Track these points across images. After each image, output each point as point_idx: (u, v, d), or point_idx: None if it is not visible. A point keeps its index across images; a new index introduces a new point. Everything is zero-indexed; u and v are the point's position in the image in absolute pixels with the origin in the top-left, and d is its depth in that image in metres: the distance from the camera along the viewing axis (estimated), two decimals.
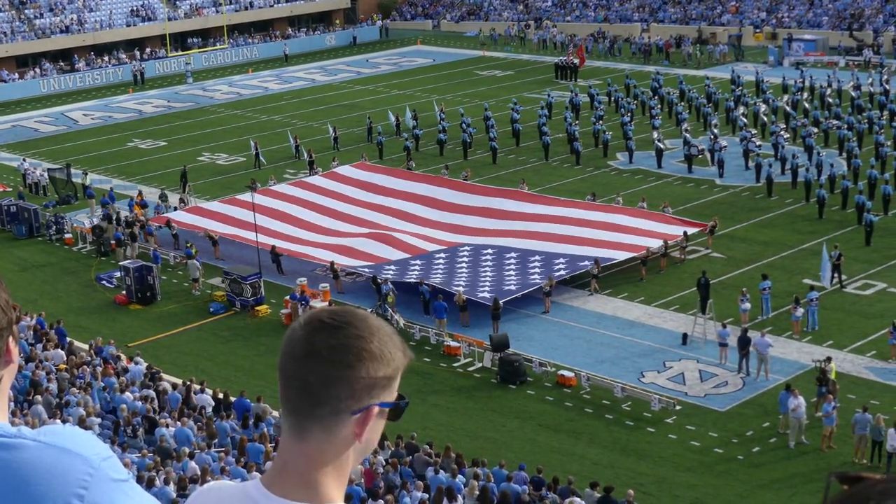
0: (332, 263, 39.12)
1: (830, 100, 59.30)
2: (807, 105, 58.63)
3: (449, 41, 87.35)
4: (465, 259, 39.81)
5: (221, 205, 46.00)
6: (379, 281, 37.45)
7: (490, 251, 40.27)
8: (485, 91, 68.70)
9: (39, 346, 31.92)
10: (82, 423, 25.18)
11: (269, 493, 2.64)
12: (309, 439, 2.64)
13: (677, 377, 32.14)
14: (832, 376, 29.74)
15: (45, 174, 52.19)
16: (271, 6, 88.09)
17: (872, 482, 1.81)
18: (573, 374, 31.96)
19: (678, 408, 30.21)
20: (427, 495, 23.62)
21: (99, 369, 30.48)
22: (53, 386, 28.16)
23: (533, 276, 37.70)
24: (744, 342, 31.86)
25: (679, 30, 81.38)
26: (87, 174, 51.83)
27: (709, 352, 33.15)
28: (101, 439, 3.08)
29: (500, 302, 35.36)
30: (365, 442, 2.67)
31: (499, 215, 43.59)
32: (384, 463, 25.18)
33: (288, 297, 37.28)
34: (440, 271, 38.64)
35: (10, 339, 2.98)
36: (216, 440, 26.17)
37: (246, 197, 43.73)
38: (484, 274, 38.36)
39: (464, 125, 55.98)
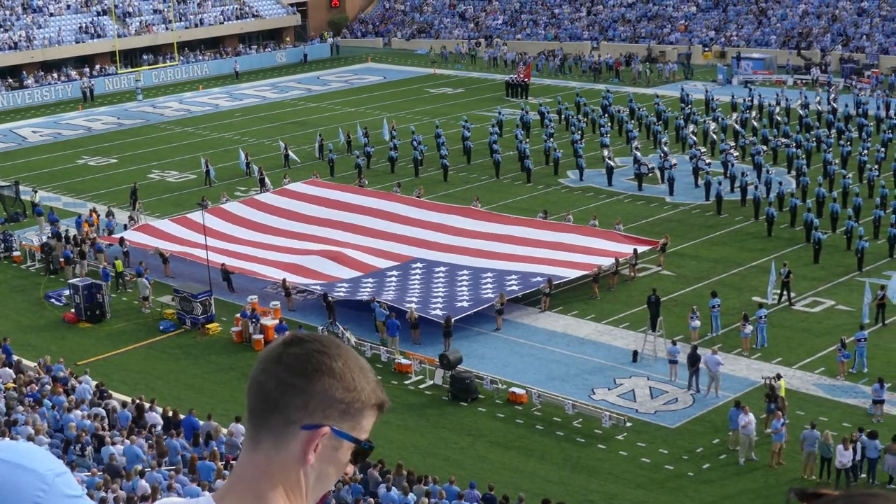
0: (283, 281, 39.04)
1: (779, 118, 59.77)
2: (755, 123, 59.08)
3: (400, 59, 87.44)
4: (418, 276, 39.85)
5: (172, 223, 45.74)
6: (331, 299, 37.51)
7: (443, 268, 40.32)
8: (436, 109, 68.85)
9: None
10: (31, 440, 25.00)
11: None
12: (259, 450, 2.66)
13: (628, 394, 32.24)
14: (781, 393, 29.94)
15: None
16: (221, 23, 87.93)
17: (832, 498, 1.85)
18: (524, 392, 32.01)
19: (629, 424, 30.28)
20: None
21: (48, 388, 30.27)
22: (1, 405, 27.90)
23: (485, 293, 37.75)
24: (694, 359, 32.01)
25: (629, 48, 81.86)
26: (36, 191, 51.42)
27: (659, 369, 33.29)
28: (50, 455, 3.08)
29: (452, 319, 35.41)
30: (315, 469, 2.65)
31: (452, 231, 43.66)
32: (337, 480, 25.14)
33: (239, 315, 37.19)
34: (392, 288, 38.63)
35: None
36: (167, 458, 26.03)
37: (196, 215, 43.68)
38: (436, 291, 38.39)
39: (415, 143, 56.01)
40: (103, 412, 28.71)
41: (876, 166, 50.34)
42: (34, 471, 2.95)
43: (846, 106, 62.02)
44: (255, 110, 71.88)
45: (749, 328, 34.38)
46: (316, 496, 2.71)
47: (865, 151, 52.38)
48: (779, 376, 30.84)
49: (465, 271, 39.82)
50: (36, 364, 32.74)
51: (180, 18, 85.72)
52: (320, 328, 35.94)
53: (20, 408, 27.92)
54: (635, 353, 34.27)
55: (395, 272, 40.20)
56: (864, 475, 27.25)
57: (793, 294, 37.68)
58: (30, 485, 2.93)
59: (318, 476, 2.66)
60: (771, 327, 34.93)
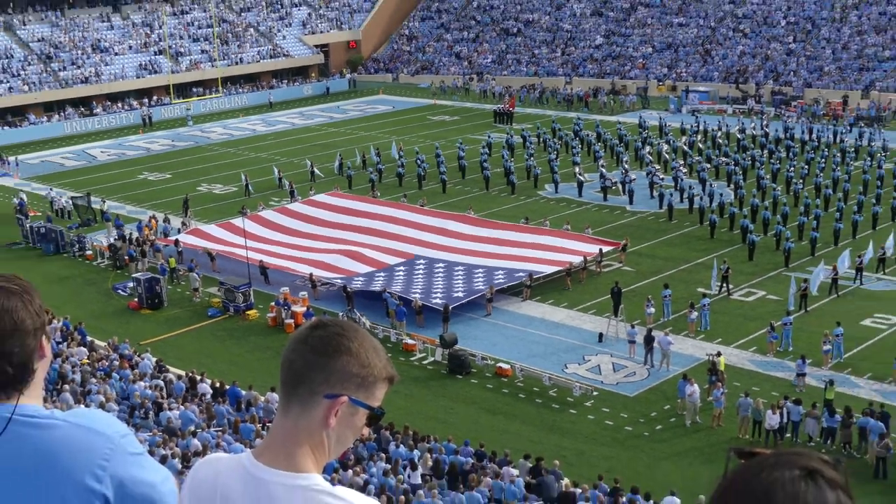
0: (310, 275, 39.10)
1: (720, 140, 59.64)
2: (701, 145, 59.16)
3: (406, 91, 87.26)
4: (421, 271, 39.88)
5: (217, 227, 45.82)
6: (349, 290, 37.58)
7: (441, 264, 40.36)
8: (436, 133, 68.81)
9: (66, 344, 31.76)
10: (102, 408, 25.09)
11: (257, 462, 2.71)
12: (290, 416, 2.76)
13: (594, 368, 32.32)
14: (721, 368, 30.03)
15: (69, 201, 51.88)
16: (258, 62, 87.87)
17: (764, 456, 1.86)
18: (509, 366, 32.08)
19: (595, 394, 30.41)
20: (389, 465, 23.69)
21: (116, 363, 30.38)
22: (77, 377, 28.04)
23: (477, 285, 37.79)
24: (649, 340, 32.15)
25: (596, 83, 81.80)
26: (104, 201, 51.45)
27: (620, 348, 33.35)
28: (118, 420, 3.18)
29: (450, 307, 35.52)
30: (336, 432, 2.72)
31: (449, 234, 43.67)
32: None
33: (273, 304, 37.23)
34: (400, 281, 38.68)
35: (44, 338, 3.07)
36: (215, 421, 26.14)
37: (238, 221, 43.78)
38: (436, 283, 38.42)
39: (418, 161, 56.06)
40: (162, 383, 28.87)
41: (800, 181, 50.27)
42: (103, 433, 3.04)
43: (776, 130, 62.09)
44: (285, 134, 71.83)
45: (695, 314, 34.47)
46: (337, 453, 2.79)
47: (792, 168, 52.50)
48: (719, 353, 30.88)
49: (461, 267, 39.86)
50: (106, 344, 32.86)
51: (223, 57, 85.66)
52: (340, 314, 35.92)
53: (93, 380, 28.07)
54: (601, 335, 34.36)
55: (402, 267, 40.24)
56: (788, 435, 27.33)
57: (731, 286, 37.74)
58: (100, 444, 3.01)
59: (338, 437, 2.73)
60: (713, 313, 35.03)
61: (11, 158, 64.58)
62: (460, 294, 37.06)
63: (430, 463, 24.20)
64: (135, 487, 3.01)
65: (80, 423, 3.03)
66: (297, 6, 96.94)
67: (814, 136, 60.64)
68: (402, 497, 21.69)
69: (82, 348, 31.40)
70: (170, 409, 26.23)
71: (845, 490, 1.80)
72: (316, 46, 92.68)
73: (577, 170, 53.10)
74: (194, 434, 24.25)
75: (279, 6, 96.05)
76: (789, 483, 1.78)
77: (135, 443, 3.07)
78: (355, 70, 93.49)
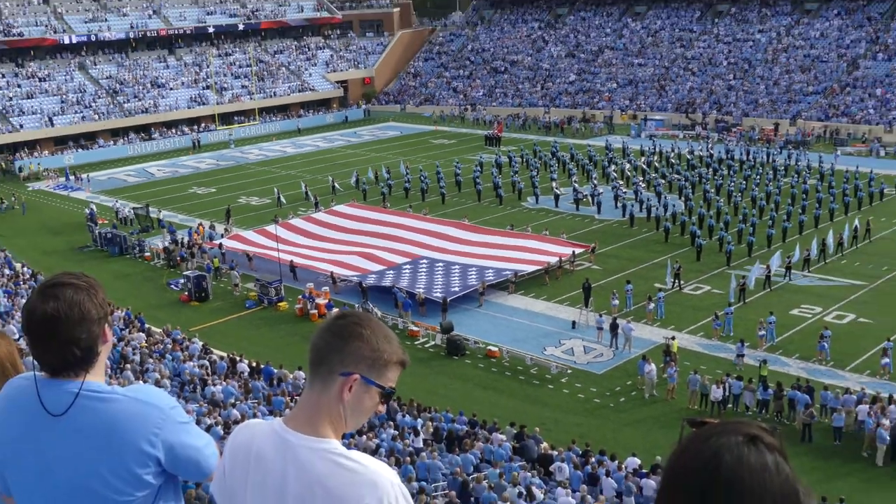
0: (331, 273, 39.09)
1: (673, 160, 59.77)
2: (657, 164, 59.08)
3: (412, 119, 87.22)
4: (424, 269, 39.86)
5: (254, 233, 45.83)
6: (364, 286, 37.60)
7: (441, 264, 40.34)
8: (436, 154, 68.65)
9: (127, 330, 31.78)
10: (157, 385, 25.06)
11: (286, 427, 2.75)
12: (314, 390, 2.78)
13: (568, 351, 32.33)
14: (674, 350, 30.08)
15: (131, 211, 51.92)
16: (288, 95, 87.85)
17: (713, 425, 1.88)
18: (497, 349, 32.12)
19: (569, 372, 30.44)
20: (396, 431, 23.68)
21: (169, 346, 30.39)
22: (137, 358, 28.01)
23: (471, 281, 37.78)
24: (614, 327, 32.21)
25: (570, 112, 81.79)
26: (160, 211, 51.59)
27: (590, 333, 33.33)
28: (170, 394, 3.17)
29: (448, 299, 35.51)
30: (350, 405, 2.73)
31: (448, 239, 43.66)
32: None
33: (300, 297, 37.24)
34: (406, 278, 38.66)
35: (107, 325, 3.07)
36: (251, 395, 26.14)
37: (271, 228, 43.82)
38: (437, 279, 38.41)
39: (422, 177, 56.01)
40: (207, 363, 28.88)
41: (739, 194, 50.43)
42: (156, 405, 3.05)
43: (719, 152, 62.13)
44: (311, 155, 71.78)
45: (652, 305, 34.52)
46: (355, 425, 2.78)
47: (732, 184, 52.45)
48: (672, 338, 30.98)
49: (457, 266, 39.84)
50: (161, 330, 32.87)
51: (259, 91, 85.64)
52: (357, 306, 35.95)
53: (150, 360, 28.06)
54: (574, 323, 34.38)
55: (408, 266, 40.22)
56: (730, 406, 27.34)
57: (682, 282, 37.77)
58: (153, 415, 3.02)
59: (352, 410, 2.74)
60: (667, 304, 35.01)
61: (84, 176, 64.57)
62: (457, 288, 37.03)
63: (430, 430, 24.22)
64: (182, 451, 3.03)
65: (137, 396, 3.03)
66: (321, 49, 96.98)
67: (750, 156, 60.69)
68: (408, 458, 21.68)
69: (141, 334, 31.44)
70: (213, 385, 26.26)
71: (781, 453, 1.82)
72: (337, 82, 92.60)
73: (554, 185, 53.09)
74: (234, 405, 24.25)
75: (306, 49, 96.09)
76: (735, 447, 1.79)
77: (182, 413, 3.07)
78: (369, 102, 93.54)
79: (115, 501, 2.94)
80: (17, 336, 19.59)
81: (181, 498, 3.17)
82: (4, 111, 73.07)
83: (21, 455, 3.00)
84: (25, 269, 40.35)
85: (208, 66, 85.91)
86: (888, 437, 24.30)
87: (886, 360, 29.06)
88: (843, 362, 30.05)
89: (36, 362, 3.06)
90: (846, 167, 55.85)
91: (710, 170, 57.05)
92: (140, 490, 2.97)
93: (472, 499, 19.98)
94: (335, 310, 35.55)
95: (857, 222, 43.44)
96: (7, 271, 39.66)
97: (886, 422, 24.64)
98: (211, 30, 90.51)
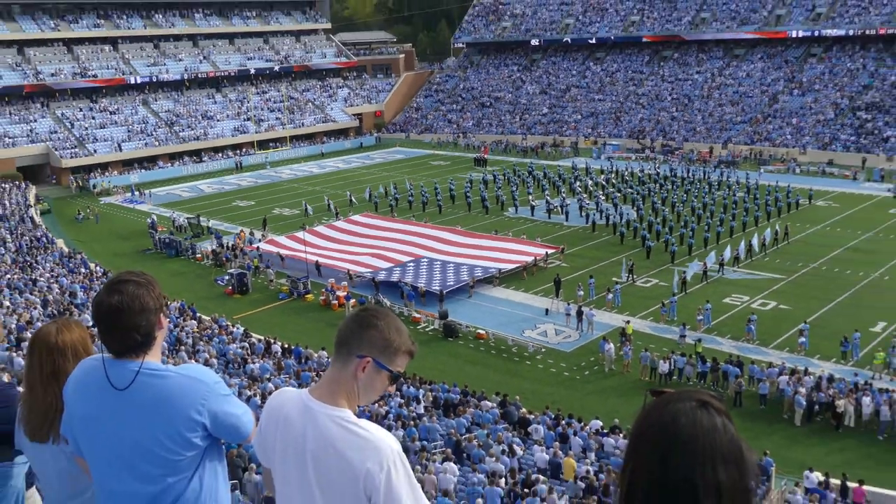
0: (348, 271, 39.03)
1: (627, 178, 59.72)
2: (614, 180, 59.12)
3: (415, 145, 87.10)
4: (425, 266, 39.78)
5: (286, 238, 45.68)
6: (376, 281, 37.53)
7: (438, 262, 40.26)
8: (434, 173, 68.56)
9: (182, 318, 31.68)
10: (206, 363, 24.99)
11: (311, 396, 2.79)
12: (335, 368, 2.79)
13: (543, 333, 32.30)
14: (629, 332, 30.13)
15: (185, 220, 51.72)
16: (314, 125, 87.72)
17: (670, 393, 1.90)
18: (485, 332, 32.11)
19: (543, 350, 30.44)
20: (402, 400, 23.63)
21: (216, 331, 30.30)
22: (190, 341, 27.93)
23: (463, 276, 37.73)
24: (579, 313, 32.20)
25: (542, 139, 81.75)
26: (209, 220, 51.48)
27: (559, 319, 33.33)
28: (214, 371, 3.16)
29: (444, 291, 35.47)
30: (363, 383, 2.74)
31: (445, 242, 43.53)
32: None
33: (324, 290, 37.20)
34: (410, 273, 38.59)
35: (162, 315, 3.06)
36: (283, 371, 26.08)
37: (300, 234, 43.74)
38: (435, 275, 38.34)
39: (422, 192, 56.04)
40: (247, 345, 28.79)
41: (681, 204, 50.47)
42: (202, 380, 3.02)
43: (665, 170, 62.28)
44: (333, 175, 71.61)
45: (611, 295, 34.54)
46: (367, 400, 2.79)
47: (675, 196, 52.57)
48: (627, 322, 31.04)
49: (451, 264, 39.77)
50: (209, 318, 32.76)
51: (290, 122, 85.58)
52: (370, 297, 35.97)
53: (201, 343, 27.95)
54: (546, 310, 34.37)
55: (411, 264, 40.14)
56: (675, 378, 27.36)
57: (634, 276, 37.79)
58: (200, 389, 3.00)
59: (364, 388, 2.74)
60: (623, 295, 35.02)
61: (146, 191, 64.63)
62: (451, 282, 36.97)
63: (430, 398, 24.17)
64: (224, 418, 3.02)
65: (187, 373, 3.01)
66: (340, 88, 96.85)
67: (690, 174, 60.77)
68: (412, 422, 21.65)
69: (193, 321, 31.33)
70: (253, 363, 26.18)
71: (727, 416, 1.86)
72: (353, 115, 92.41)
73: (530, 198, 53.13)
74: (269, 380, 24.18)
75: (328, 88, 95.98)
76: (689, 411, 1.83)
77: (224, 387, 3.06)
78: (380, 131, 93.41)
79: (169, 460, 2.95)
80: (90, 324, 19.49)
81: (224, 457, 3.16)
82: (81, 139, 72.93)
83: (92, 422, 3.02)
84: (98, 268, 40.25)
85: (248, 102, 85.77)
86: (804, 402, 24.38)
87: (802, 339, 29.14)
88: (766, 341, 30.11)
89: (103, 346, 3.05)
90: (768, 182, 55.97)
91: (657, 185, 57.06)
92: (189, 451, 2.97)
93: (465, 455, 19.96)
94: (352, 300, 35.59)
95: (777, 227, 43.54)
96: (84, 270, 39.55)
97: (802, 389, 24.74)
98: (251, 72, 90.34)
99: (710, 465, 1.77)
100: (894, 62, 74.08)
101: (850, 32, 76.81)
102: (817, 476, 20.07)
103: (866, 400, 23.87)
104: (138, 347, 2.99)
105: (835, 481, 19.93)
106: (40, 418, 3.36)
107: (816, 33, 78.69)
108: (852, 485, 19.78)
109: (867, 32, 76.02)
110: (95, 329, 3.06)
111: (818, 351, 28.92)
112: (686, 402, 1.85)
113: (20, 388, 3.58)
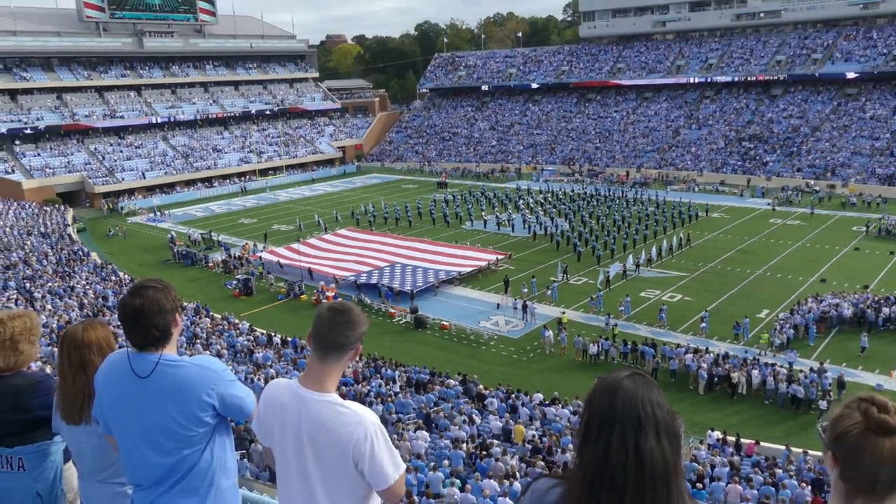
0: (335, 275, 38.67)
1: (561, 196, 59.98)
2: (550, 198, 59.46)
3: (389, 171, 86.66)
4: (398, 271, 39.51)
5: (284, 249, 45.11)
6: (358, 283, 37.24)
7: (410, 267, 40.01)
8: (405, 194, 68.22)
9: (197, 317, 31.15)
10: (218, 354, 24.57)
11: (301, 385, 2.75)
12: (327, 361, 2.73)
13: (495, 323, 32.28)
14: (565, 321, 30.25)
15: (199, 235, 50.76)
16: (306, 156, 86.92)
17: (617, 370, 1.96)
18: (448, 323, 32.00)
19: (496, 337, 30.43)
20: (382, 381, 23.46)
21: (226, 326, 29.84)
22: (204, 335, 27.48)
23: (430, 278, 37.60)
24: (524, 307, 32.27)
25: (492, 166, 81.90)
26: (219, 235, 50.65)
27: (508, 312, 33.37)
28: (222, 360, 3.08)
29: (415, 291, 35.32)
30: (351, 362, 2.81)
31: (414, 250, 43.28)
32: (362, 366, 24.93)
33: (315, 291, 36.78)
34: (386, 276, 38.35)
35: (178, 314, 2.99)
36: (282, 359, 25.74)
37: (296, 245, 43.27)
38: (407, 277, 38.13)
39: (396, 210, 55.76)
40: (253, 338, 28.38)
41: (605, 217, 50.90)
42: (212, 369, 2.96)
43: (590, 190, 62.67)
44: (322, 196, 70.87)
45: (549, 291, 34.70)
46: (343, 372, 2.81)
47: (599, 211, 53.00)
48: (564, 313, 31.18)
49: (420, 268, 39.58)
50: (220, 316, 32.26)
51: (286, 154, 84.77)
52: (354, 297, 35.70)
53: (213, 337, 27.52)
54: (498, 305, 34.34)
55: (387, 269, 39.87)
56: (602, 358, 27.46)
57: (568, 276, 37.99)
58: (210, 375, 2.94)
59: (346, 367, 2.80)
60: (560, 291, 35.22)
61: (166, 212, 63.45)
62: (420, 283, 36.81)
63: (404, 379, 24.01)
64: (231, 399, 2.97)
65: (199, 363, 2.95)
66: (327, 125, 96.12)
67: (610, 192, 61.31)
68: (389, 398, 21.49)
69: (206, 319, 30.85)
70: (257, 353, 25.81)
71: (656, 386, 1.94)
72: (338, 147, 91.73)
73: (483, 213, 53.23)
74: (271, 367, 23.86)
75: (318, 125, 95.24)
76: (629, 376, 1.91)
77: (230, 374, 3.00)
78: (360, 160, 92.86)
79: (184, 436, 2.90)
80: (114, 325, 19.06)
81: (230, 432, 3.10)
82: (111, 169, 71.46)
83: (120, 406, 2.97)
84: (126, 276, 39.41)
85: (251, 137, 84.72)
86: (706, 375, 24.69)
87: (703, 324, 29.54)
88: (674, 326, 30.43)
89: (128, 341, 2.99)
90: (673, 199, 56.80)
91: (585, 202, 57.50)
92: (201, 427, 2.92)
93: (433, 425, 19.87)
94: (339, 299, 35.26)
95: (681, 235, 44.13)
96: (114, 278, 38.71)
97: (704, 365, 25.04)
98: (253, 113, 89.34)
99: (648, 405, 1.86)
100: (770, 102, 75.88)
101: (736, 79, 78.49)
102: (717, 434, 20.36)
103: (755, 372, 24.28)
104: (157, 342, 2.93)
105: (731, 438, 20.23)
106: (71, 404, 3.28)
107: (709, 79, 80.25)
108: (745, 441, 20.08)
109: (749, 79, 77.75)
110: (121, 328, 3.01)
111: (716, 333, 29.35)
112: (625, 372, 1.94)
113: (56, 379, 3.48)
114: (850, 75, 71.70)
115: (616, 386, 1.89)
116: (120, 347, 3.18)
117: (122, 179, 70.49)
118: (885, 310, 29.19)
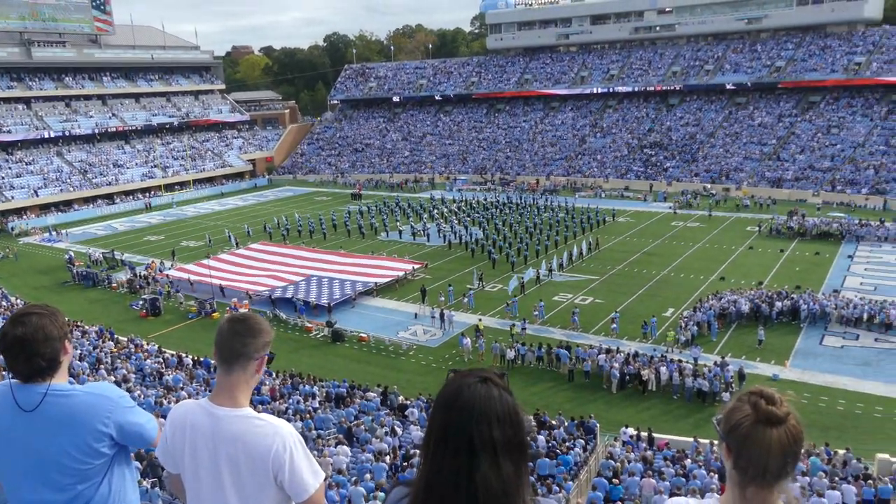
0: (247, 291, 37.61)
1: (474, 204, 60.72)
2: (464, 207, 60.08)
3: (301, 184, 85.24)
4: (314, 284, 38.88)
5: (193, 265, 43.49)
6: (272, 298, 36.32)
7: (326, 279, 39.46)
8: (318, 206, 67.27)
9: (101, 340, 29.48)
10: (125, 378, 23.37)
11: (212, 404, 2.65)
12: (233, 374, 2.64)
13: (413, 333, 32.22)
14: (481, 328, 30.52)
15: (101, 255, 48.22)
16: (213, 170, 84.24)
17: (463, 371, 1.93)
18: (366, 335, 31.68)
19: (415, 347, 30.37)
20: (301, 397, 22.96)
21: (132, 349, 28.41)
22: (108, 360, 26.01)
23: (346, 290, 37.18)
24: (442, 315, 32.37)
25: (406, 176, 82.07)
26: (122, 254, 48.26)
27: (426, 321, 33.38)
28: (128, 385, 2.92)
29: (331, 304, 34.81)
30: (257, 376, 2.69)
31: (330, 262, 42.75)
32: (279, 383, 24.32)
33: (228, 308, 35.54)
34: (302, 290, 37.64)
35: (66, 341, 2.84)
36: (195, 380, 24.71)
37: (206, 261, 41.80)
38: (323, 290, 37.56)
39: (309, 223, 54.95)
40: (162, 360, 27.13)
41: (517, 224, 51.90)
42: (107, 396, 2.81)
43: (503, 198, 63.72)
44: (232, 211, 68.86)
45: (466, 299, 34.90)
46: (256, 384, 2.74)
47: (512, 218, 53.93)
48: (480, 320, 31.46)
49: (337, 280, 39.09)
50: (126, 338, 30.67)
51: (193, 168, 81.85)
52: (268, 312, 34.81)
53: (119, 361, 26.11)
54: (415, 314, 34.33)
55: (303, 282, 39.16)
56: (519, 363, 27.92)
57: (483, 283, 38.39)
58: (105, 404, 2.80)
59: (257, 377, 2.73)
60: (476, 298, 35.48)
61: (63, 231, 59.87)
62: (337, 296, 36.33)
63: (323, 394, 23.59)
64: (129, 427, 2.82)
65: (92, 391, 2.79)
66: (235, 138, 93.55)
67: (522, 200, 62.57)
68: (308, 415, 21.04)
69: (111, 342, 29.23)
70: (167, 375, 24.68)
71: (506, 389, 1.87)
72: (248, 160, 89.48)
73: (399, 224, 53.16)
74: (182, 389, 22.85)
75: (226, 138, 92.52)
76: (471, 384, 1.85)
77: (129, 400, 2.86)
78: (271, 173, 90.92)
79: (78, 469, 2.72)
80: None
81: (131, 461, 2.94)
82: None
83: (3, 441, 2.76)
84: (19, 301, 36.87)
85: (154, 152, 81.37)
86: (618, 374, 25.50)
87: (614, 325, 30.52)
88: (587, 328, 31.27)
89: (11, 372, 2.77)
90: (581, 205, 58.64)
91: (498, 210, 58.37)
92: (98, 459, 2.75)
93: (355, 439, 19.59)
94: (234, 314, 34.24)
95: (590, 239, 45.54)
96: (4, 303, 36.13)
97: (616, 364, 25.86)
98: (156, 126, 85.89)
99: (485, 424, 1.79)
100: (668, 111, 79.79)
101: (636, 89, 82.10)
102: (631, 430, 21.05)
103: (663, 369, 25.29)
104: (44, 372, 2.74)
105: (644, 434, 20.98)
106: None
107: (611, 90, 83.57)
108: (658, 436, 20.85)
109: (648, 89, 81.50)
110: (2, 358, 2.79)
111: (626, 333, 30.36)
112: (470, 378, 1.86)
113: None
114: (729, 87, 76.52)
115: (454, 398, 1.83)
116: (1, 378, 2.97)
117: (12, 198, 66.01)
118: (778, 303, 31.15)
